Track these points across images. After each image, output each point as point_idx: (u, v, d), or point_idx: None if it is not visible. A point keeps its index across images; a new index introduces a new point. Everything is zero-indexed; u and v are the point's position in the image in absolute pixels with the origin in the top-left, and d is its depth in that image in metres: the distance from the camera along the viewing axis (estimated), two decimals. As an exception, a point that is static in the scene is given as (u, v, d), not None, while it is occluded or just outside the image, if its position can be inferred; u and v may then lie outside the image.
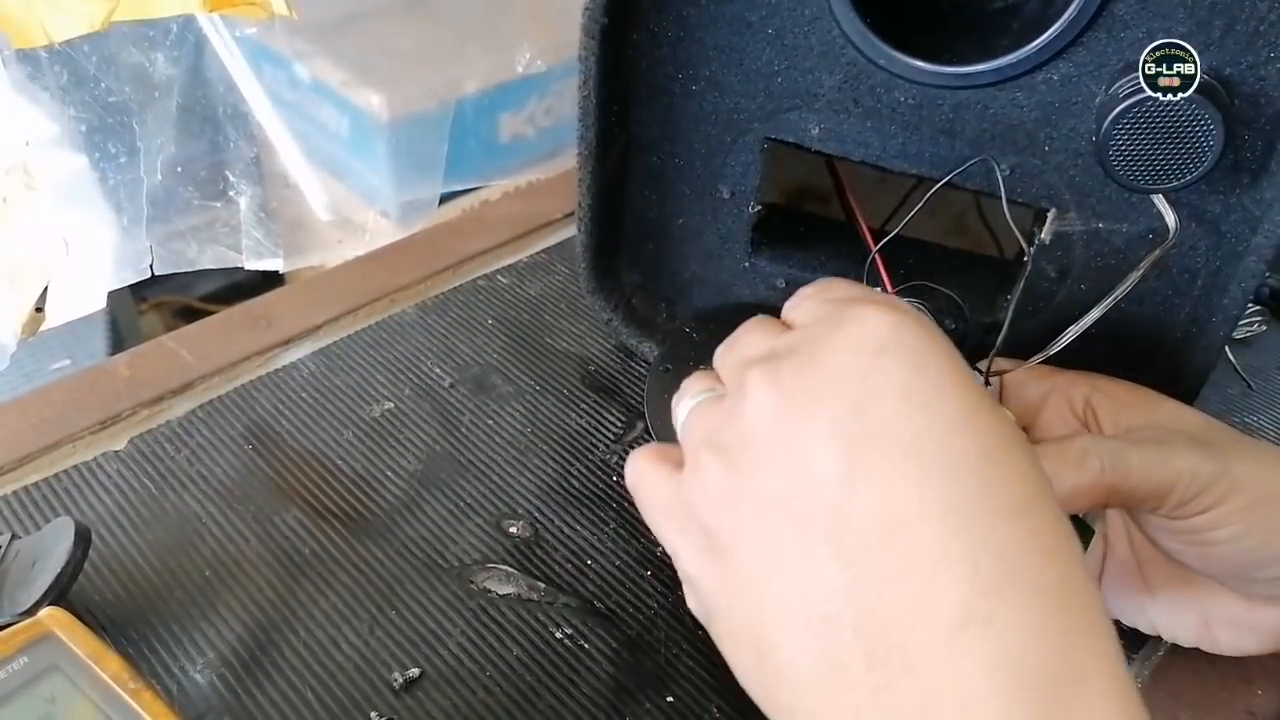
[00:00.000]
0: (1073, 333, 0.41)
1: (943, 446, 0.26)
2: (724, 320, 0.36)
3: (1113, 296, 0.41)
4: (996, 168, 0.42)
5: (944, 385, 0.27)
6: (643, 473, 0.33)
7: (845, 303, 0.30)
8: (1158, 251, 0.40)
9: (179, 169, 0.75)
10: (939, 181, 0.43)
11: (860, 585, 0.25)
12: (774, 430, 0.28)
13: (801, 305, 0.32)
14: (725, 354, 0.33)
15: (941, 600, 0.24)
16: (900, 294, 0.47)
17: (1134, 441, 0.36)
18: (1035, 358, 0.42)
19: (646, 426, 0.52)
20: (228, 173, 0.79)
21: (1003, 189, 0.42)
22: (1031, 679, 0.23)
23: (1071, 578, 0.25)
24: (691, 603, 0.31)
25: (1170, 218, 0.39)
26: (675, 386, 0.34)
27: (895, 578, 0.25)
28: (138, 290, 1.24)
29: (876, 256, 0.46)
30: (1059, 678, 0.23)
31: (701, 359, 0.39)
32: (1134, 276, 0.40)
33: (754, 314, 0.33)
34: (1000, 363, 0.42)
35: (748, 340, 0.32)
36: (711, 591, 0.29)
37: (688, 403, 0.33)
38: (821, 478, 0.26)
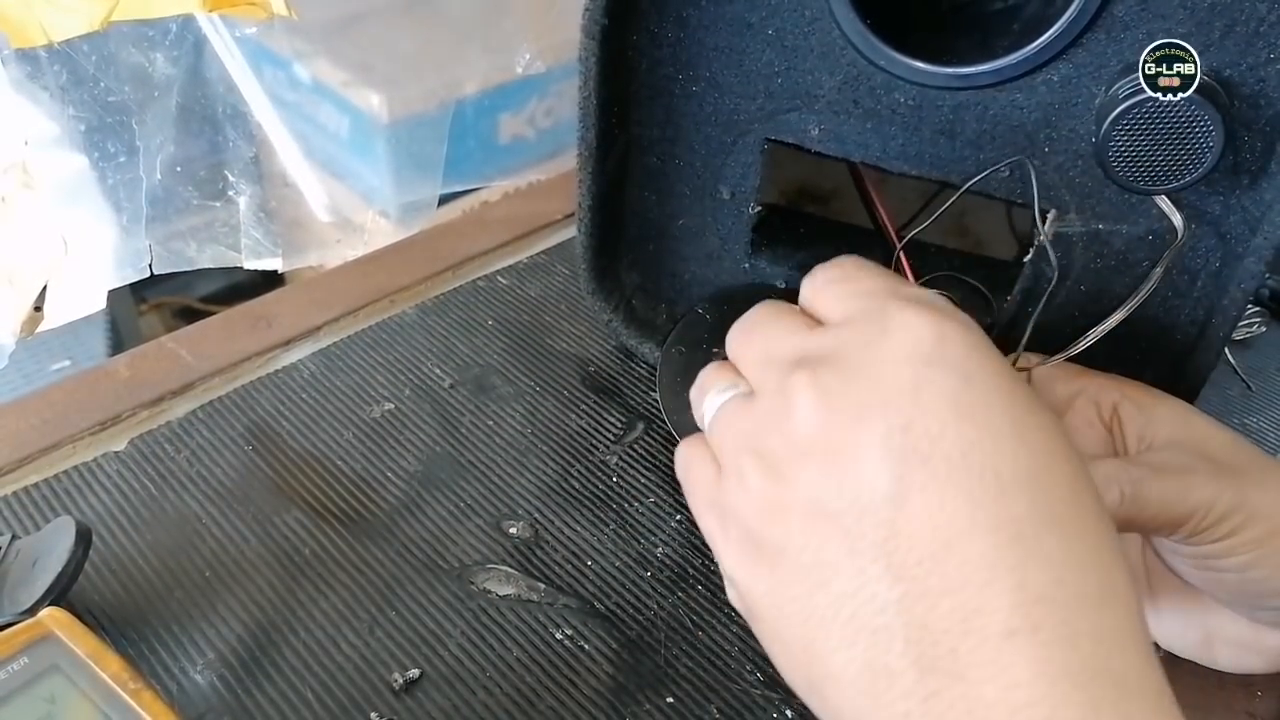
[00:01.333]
0: (1096, 334, 0.41)
1: (992, 461, 0.26)
2: (736, 301, 0.35)
3: (1137, 297, 0.41)
4: (1032, 170, 0.42)
5: (992, 396, 0.27)
6: (691, 464, 0.32)
7: (882, 301, 0.29)
8: (1170, 251, 0.40)
9: (178, 169, 0.75)
10: (949, 184, 0.43)
11: (912, 598, 0.26)
12: (822, 443, 0.28)
13: (826, 294, 0.31)
14: (745, 345, 0.32)
15: (991, 612, 0.25)
16: (924, 285, 0.47)
17: (1156, 469, 0.36)
18: (1060, 355, 0.42)
19: (647, 428, 0.52)
20: (227, 172, 0.79)
21: (1035, 189, 0.42)
22: (1077, 682, 0.24)
23: (1114, 583, 0.26)
24: (732, 596, 0.31)
25: (1177, 219, 0.39)
26: (689, 369, 0.33)
27: (947, 591, 0.25)
28: (138, 291, 1.24)
29: (901, 255, 0.46)
30: (1100, 680, 0.24)
31: (715, 341, 0.38)
32: (1157, 273, 0.40)
33: (768, 296, 0.32)
34: (1028, 357, 0.42)
35: (771, 334, 0.31)
36: (757, 596, 0.29)
37: (713, 399, 0.32)
38: (872, 494, 0.27)
